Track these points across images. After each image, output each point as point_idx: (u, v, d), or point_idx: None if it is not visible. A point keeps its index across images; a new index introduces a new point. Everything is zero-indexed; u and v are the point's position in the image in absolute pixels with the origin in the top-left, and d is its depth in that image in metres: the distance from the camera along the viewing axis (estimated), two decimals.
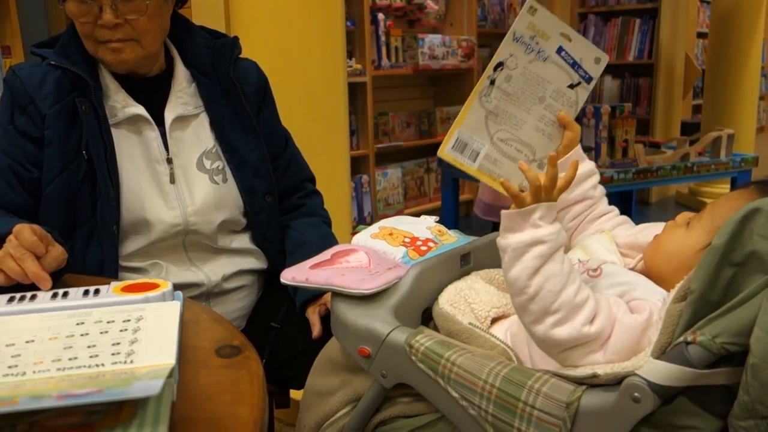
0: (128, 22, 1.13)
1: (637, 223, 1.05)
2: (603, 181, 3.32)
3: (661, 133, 4.86)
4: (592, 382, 0.72)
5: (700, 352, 0.64)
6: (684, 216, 0.91)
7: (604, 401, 0.69)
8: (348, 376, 0.98)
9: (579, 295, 0.79)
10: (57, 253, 0.96)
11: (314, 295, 1.24)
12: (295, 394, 1.35)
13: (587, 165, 1.03)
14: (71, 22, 1.17)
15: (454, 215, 3.71)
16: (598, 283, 0.86)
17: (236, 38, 1.31)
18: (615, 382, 0.70)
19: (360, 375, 0.95)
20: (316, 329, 1.19)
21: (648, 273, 0.89)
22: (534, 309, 0.81)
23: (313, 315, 1.22)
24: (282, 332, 1.29)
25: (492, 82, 0.94)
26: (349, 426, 0.92)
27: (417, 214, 4.30)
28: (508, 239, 0.84)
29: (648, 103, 4.98)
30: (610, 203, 1.08)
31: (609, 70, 5.17)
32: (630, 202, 4.39)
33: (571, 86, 0.99)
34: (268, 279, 1.37)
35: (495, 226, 2.92)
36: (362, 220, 3.76)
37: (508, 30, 0.95)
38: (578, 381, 0.73)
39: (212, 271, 1.24)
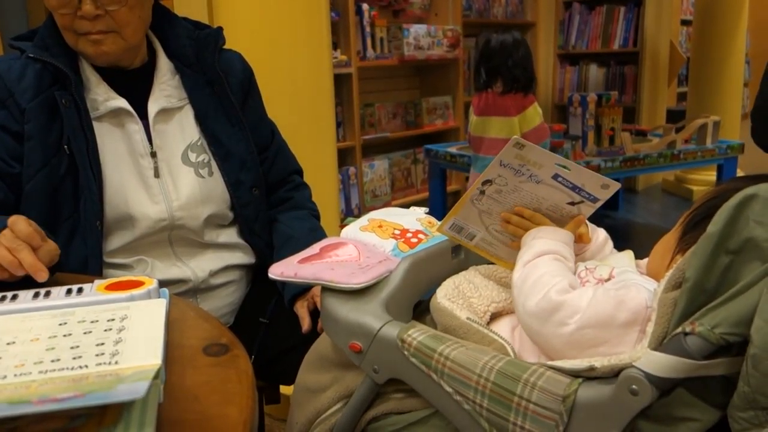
0: (108, 13, 1.10)
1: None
2: (590, 169, 3.32)
3: (646, 121, 4.87)
4: (588, 375, 0.70)
5: (699, 343, 0.63)
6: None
7: (601, 394, 0.68)
8: (339, 373, 0.96)
9: (554, 278, 0.82)
10: (51, 247, 0.94)
11: (302, 289, 1.22)
12: (285, 389, 1.34)
13: (602, 233, 1.02)
14: (50, 13, 1.14)
15: (441, 206, 3.70)
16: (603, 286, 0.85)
17: (220, 29, 1.28)
18: (612, 374, 0.69)
19: (351, 371, 0.93)
20: (305, 323, 1.18)
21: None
22: (515, 295, 0.85)
23: (302, 309, 1.21)
24: (271, 327, 1.27)
25: (482, 192, 0.94)
26: (340, 423, 0.91)
27: (405, 205, 4.28)
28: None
29: (633, 91, 4.99)
30: None
31: (594, 58, 5.18)
32: (618, 190, 4.41)
33: (572, 203, 0.95)
34: (256, 273, 1.35)
35: None
36: (350, 213, 3.74)
37: None
38: (574, 374, 0.71)
39: (199, 266, 1.22)
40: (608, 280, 0.85)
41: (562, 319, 0.77)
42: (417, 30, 4.04)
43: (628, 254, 0.94)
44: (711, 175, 4.48)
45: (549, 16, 5.22)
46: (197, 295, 1.23)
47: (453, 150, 3.55)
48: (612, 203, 4.39)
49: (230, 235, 1.28)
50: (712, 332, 0.62)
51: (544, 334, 0.78)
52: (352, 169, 3.76)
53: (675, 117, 5.12)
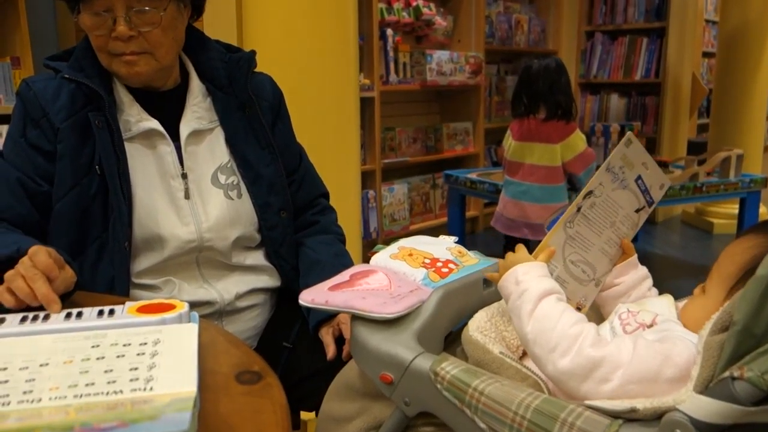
0: (142, 35, 1.11)
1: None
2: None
3: (667, 152, 4.84)
4: (629, 417, 0.69)
5: (748, 389, 0.61)
6: (697, 288, 0.90)
7: None
8: (366, 402, 0.95)
9: (574, 327, 0.79)
10: (67, 275, 0.94)
11: (328, 315, 1.21)
12: (305, 415, 1.32)
13: (642, 269, 1.02)
14: (85, 35, 1.15)
15: (460, 232, 3.69)
16: (643, 334, 0.83)
17: (253, 52, 1.29)
18: (654, 417, 0.67)
19: (380, 401, 0.92)
20: (330, 350, 1.16)
21: None
22: (538, 353, 0.81)
23: (327, 336, 1.19)
24: (294, 352, 1.26)
25: (578, 209, 0.96)
26: None
27: (423, 231, 4.30)
28: (508, 306, 0.88)
29: (655, 122, 4.97)
30: None
31: (616, 88, 5.17)
32: None
33: (637, 210, 1.01)
34: (281, 297, 1.34)
35: (507, 243, 2.88)
36: (368, 236, 3.74)
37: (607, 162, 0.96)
38: (614, 415, 0.70)
39: (225, 289, 1.22)
40: (650, 326, 0.83)
41: (604, 376, 0.74)
42: (440, 56, 4.06)
43: (668, 300, 0.92)
44: (732, 208, 4.43)
45: (571, 45, 5.23)
46: (222, 318, 1.22)
47: (473, 176, 3.54)
48: None
49: (257, 257, 1.28)
50: (762, 378, 0.60)
51: (584, 391, 0.75)
52: (371, 193, 3.77)
53: (695, 149, 5.08)
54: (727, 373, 0.63)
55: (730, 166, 3.52)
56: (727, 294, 0.81)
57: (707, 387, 0.65)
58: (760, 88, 4.52)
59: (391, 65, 3.83)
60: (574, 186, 2.89)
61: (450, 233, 3.71)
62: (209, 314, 1.20)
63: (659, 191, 1.03)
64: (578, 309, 0.91)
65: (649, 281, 1.01)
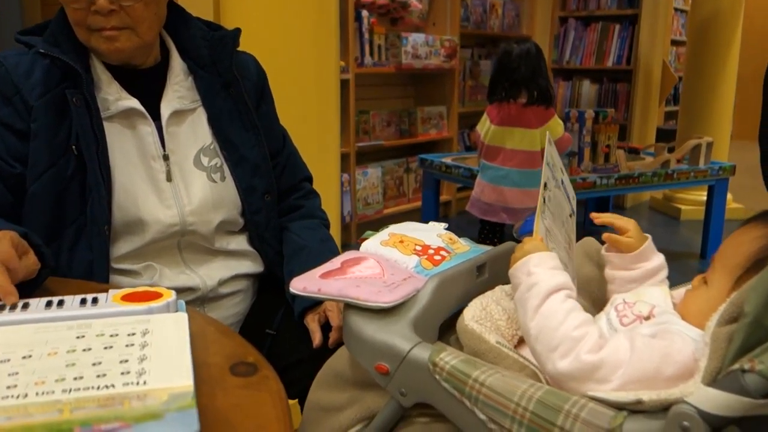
0: (123, 9, 1.06)
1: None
2: (586, 186, 3.29)
3: (637, 139, 4.89)
4: (634, 408, 0.68)
5: (758, 381, 0.60)
6: (697, 279, 0.88)
7: (649, 429, 0.65)
8: (357, 392, 0.93)
9: (578, 330, 0.77)
10: (28, 262, 0.87)
11: (314, 302, 1.18)
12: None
13: (659, 258, 0.98)
14: (61, 8, 1.09)
15: (434, 216, 3.67)
16: (639, 328, 0.82)
17: (238, 30, 1.24)
18: (659, 408, 0.66)
19: (372, 391, 0.90)
20: (316, 338, 1.14)
21: None
22: (539, 349, 0.80)
23: (313, 323, 1.17)
24: (277, 339, 1.23)
25: (545, 200, 0.94)
26: None
27: (396, 215, 4.26)
28: (515, 294, 0.86)
29: (625, 109, 5.01)
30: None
31: (588, 74, 5.20)
32: (607, 206, 4.42)
33: (570, 215, 1.00)
34: (263, 283, 1.31)
35: (482, 228, 2.87)
36: (342, 220, 3.70)
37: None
38: (619, 406, 0.69)
39: (208, 275, 1.18)
40: (647, 318, 0.82)
41: (603, 377, 0.73)
42: (415, 39, 4.03)
43: (663, 289, 0.91)
44: (699, 195, 4.50)
45: (544, 31, 5.23)
46: (205, 305, 1.19)
47: (448, 161, 3.53)
48: None
49: (240, 242, 1.24)
50: None
51: (584, 391, 0.73)
52: (345, 176, 3.73)
53: (664, 136, 5.16)
54: (737, 365, 0.62)
55: (700, 153, 3.57)
56: (733, 285, 0.80)
57: (715, 379, 0.64)
58: (729, 76, 4.58)
59: (366, 47, 3.79)
60: None
61: (424, 218, 3.70)
62: (191, 301, 1.16)
63: (574, 203, 1.02)
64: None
65: (665, 272, 0.98)
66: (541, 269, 0.84)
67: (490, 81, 2.94)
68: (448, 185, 4.48)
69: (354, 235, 3.81)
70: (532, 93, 2.73)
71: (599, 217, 1.01)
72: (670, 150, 3.63)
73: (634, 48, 4.89)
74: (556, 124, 2.80)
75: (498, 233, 3.05)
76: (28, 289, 0.86)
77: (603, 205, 4.37)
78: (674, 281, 0.99)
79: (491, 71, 2.99)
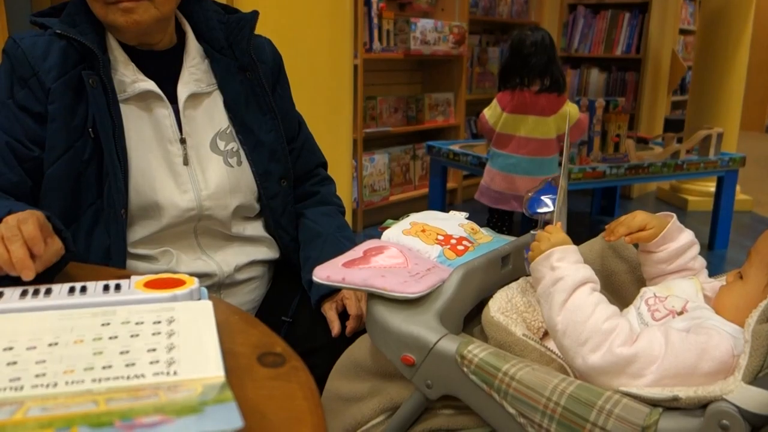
0: None
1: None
2: (596, 176, 3.26)
3: (645, 129, 4.86)
4: (669, 405, 0.67)
5: None
6: (732, 274, 0.87)
7: (686, 426, 0.64)
8: (378, 383, 0.92)
9: (607, 322, 0.76)
10: (55, 247, 0.86)
11: (331, 290, 1.17)
12: None
13: (686, 236, 0.96)
14: None
15: (441, 204, 3.66)
16: (672, 322, 0.80)
17: (256, 12, 1.22)
18: (697, 406, 0.65)
19: (394, 382, 0.89)
20: (335, 327, 1.13)
21: None
22: (567, 344, 0.79)
23: (331, 311, 1.16)
24: (293, 326, 1.22)
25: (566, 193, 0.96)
26: None
27: (402, 202, 4.23)
28: (537, 288, 0.85)
29: (633, 98, 4.97)
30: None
31: (596, 62, 5.16)
32: (614, 196, 4.40)
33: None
34: (278, 270, 1.29)
35: (491, 217, 2.84)
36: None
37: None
38: (654, 403, 0.67)
39: (224, 260, 1.17)
40: (680, 313, 0.81)
41: (637, 371, 0.72)
42: (424, 24, 3.99)
43: (695, 284, 0.89)
44: (706, 186, 4.48)
45: (553, 18, 5.18)
46: (221, 291, 1.17)
47: (456, 148, 3.51)
48: (608, 209, 4.37)
49: (256, 228, 1.23)
50: None
51: (617, 385, 0.72)
52: (352, 162, 3.71)
53: (671, 126, 5.12)
54: None
55: (710, 144, 3.54)
56: None
57: (756, 377, 0.63)
58: (739, 67, 4.54)
59: (375, 33, 3.75)
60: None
61: (431, 205, 3.68)
62: (207, 287, 1.14)
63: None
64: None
65: (696, 248, 0.95)
66: (565, 263, 0.83)
67: (503, 68, 2.91)
68: (454, 173, 4.45)
69: (360, 221, 3.79)
70: (545, 81, 2.72)
71: (613, 235, 0.98)
72: (680, 140, 3.61)
73: (643, 37, 4.84)
74: (572, 108, 2.79)
75: (507, 222, 3.03)
76: (49, 273, 0.85)
77: (610, 195, 4.35)
78: None
79: (503, 58, 2.96)
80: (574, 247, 0.86)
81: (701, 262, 0.95)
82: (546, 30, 2.85)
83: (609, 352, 0.74)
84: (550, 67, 2.72)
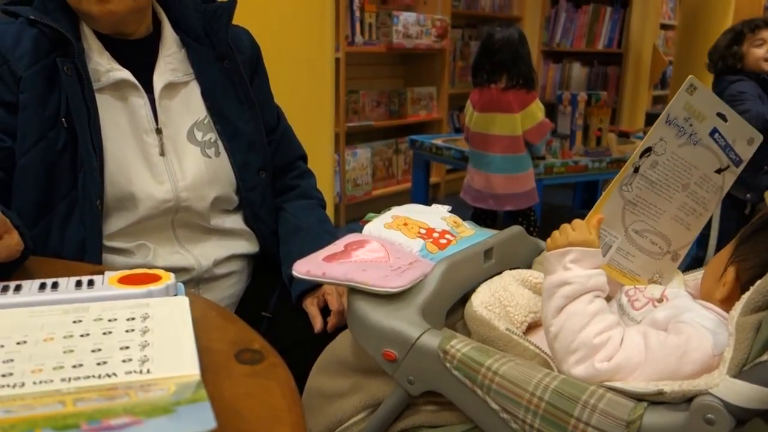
0: None
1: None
2: (578, 170, 3.26)
3: (627, 123, 4.88)
4: (654, 399, 0.66)
5: None
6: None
7: (671, 421, 0.63)
8: (360, 379, 0.90)
9: (599, 337, 0.75)
10: (12, 242, 0.82)
11: (312, 285, 1.15)
12: None
13: None
14: None
15: (424, 198, 3.65)
16: (653, 312, 0.79)
17: (234, 1, 1.20)
18: (682, 400, 0.64)
19: (376, 378, 0.87)
20: (317, 323, 1.11)
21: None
22: (556, 347, 0.78)
23: (312, 307, 1.14)
24: (273, 322, 1.20)
25: (636, 170, 0.85)
26: None
27: (385, 196, 4.21)
28: (545, 280, 0.83)
29: (615, 92, 5.00)
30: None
31: (578, 57, 5.17)
32: (596, 190, 4.41)
33: (719, 171, 0.89)
34: (258, 265, 1.27)
35: (474, 215, 2.83)
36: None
37: (661, 114, 0.84)
38: (638, 397, 0.67)
39: (203, 254, 1.14)
40: (660, 300, 0.80)
41: (619, 380, 0.71)
42: (406, 18, 3.97)
43: (678, 277, 0.89)
44: None
45: (535, 12, 5.18)
46: (199, 286, 1.15)
47: (439, 142, 3.49)
48: (590, 202, 4.39)
49: (235, 221, 1.20)
50: None
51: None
52: (335, 157, 3.68)
53: (653, 120, 5.13)
54: (765, 357, 0.60)
55: None
56: (732, 252, 0.80)
57: (741, 370, 0.62)
58: None
59: (357, 26, 3.72)
60: (532, 155, 2.87)
61: (414, 199, 3.67)
62: (185, 281, 1.12)
63: (748, 147, 0.88)
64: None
65: None
66: (579, 268, 0.80)
67: (473, 64, 2.90)
68: (437, 167, 4.45)
69: (343, 216, 3.77)
70: (513, 77, 2.70)
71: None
72: None
73: (625, 31, 4.86)
74: (537, 109, 2.75)
75: (490, 219, 3.02)
76: (5, 271, 0.82)
77: (592, 189, 4.36)
78: None
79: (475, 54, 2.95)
80: (594, 250, 0.82)
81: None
82: (518, 28, 2.82)
83: (591, 366, 0.73)
84: (517, 63, 2.69)
